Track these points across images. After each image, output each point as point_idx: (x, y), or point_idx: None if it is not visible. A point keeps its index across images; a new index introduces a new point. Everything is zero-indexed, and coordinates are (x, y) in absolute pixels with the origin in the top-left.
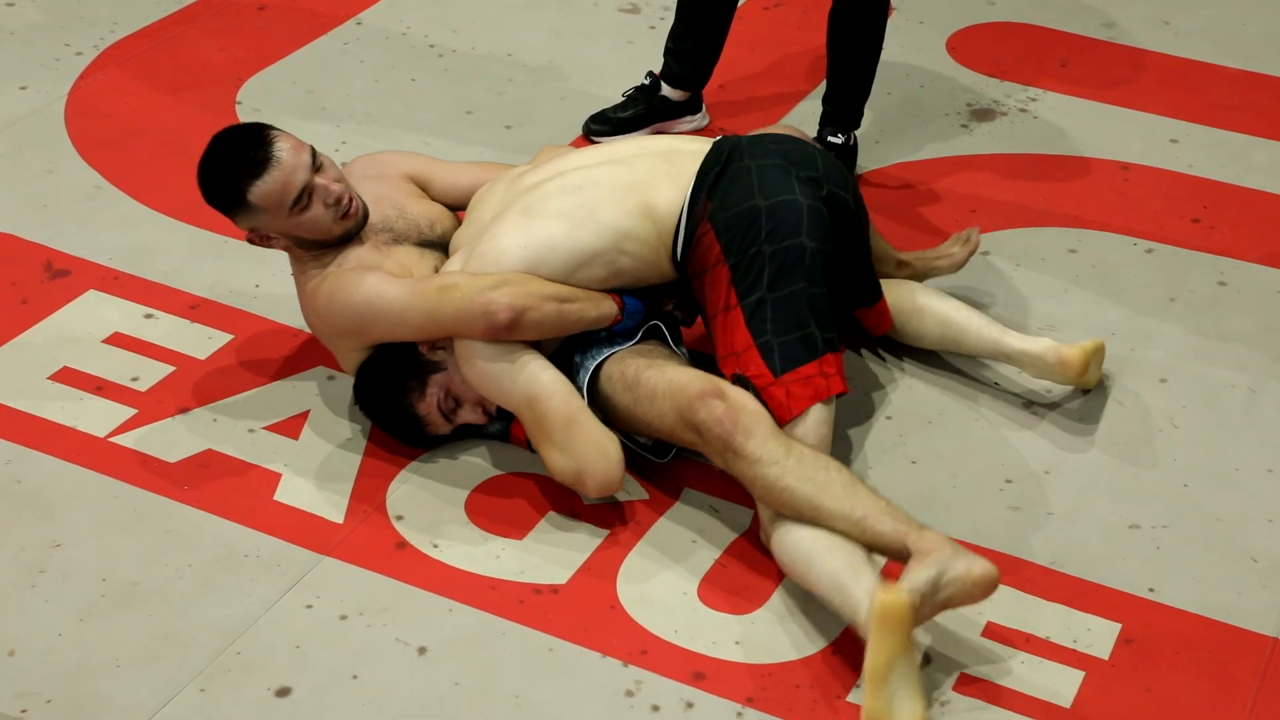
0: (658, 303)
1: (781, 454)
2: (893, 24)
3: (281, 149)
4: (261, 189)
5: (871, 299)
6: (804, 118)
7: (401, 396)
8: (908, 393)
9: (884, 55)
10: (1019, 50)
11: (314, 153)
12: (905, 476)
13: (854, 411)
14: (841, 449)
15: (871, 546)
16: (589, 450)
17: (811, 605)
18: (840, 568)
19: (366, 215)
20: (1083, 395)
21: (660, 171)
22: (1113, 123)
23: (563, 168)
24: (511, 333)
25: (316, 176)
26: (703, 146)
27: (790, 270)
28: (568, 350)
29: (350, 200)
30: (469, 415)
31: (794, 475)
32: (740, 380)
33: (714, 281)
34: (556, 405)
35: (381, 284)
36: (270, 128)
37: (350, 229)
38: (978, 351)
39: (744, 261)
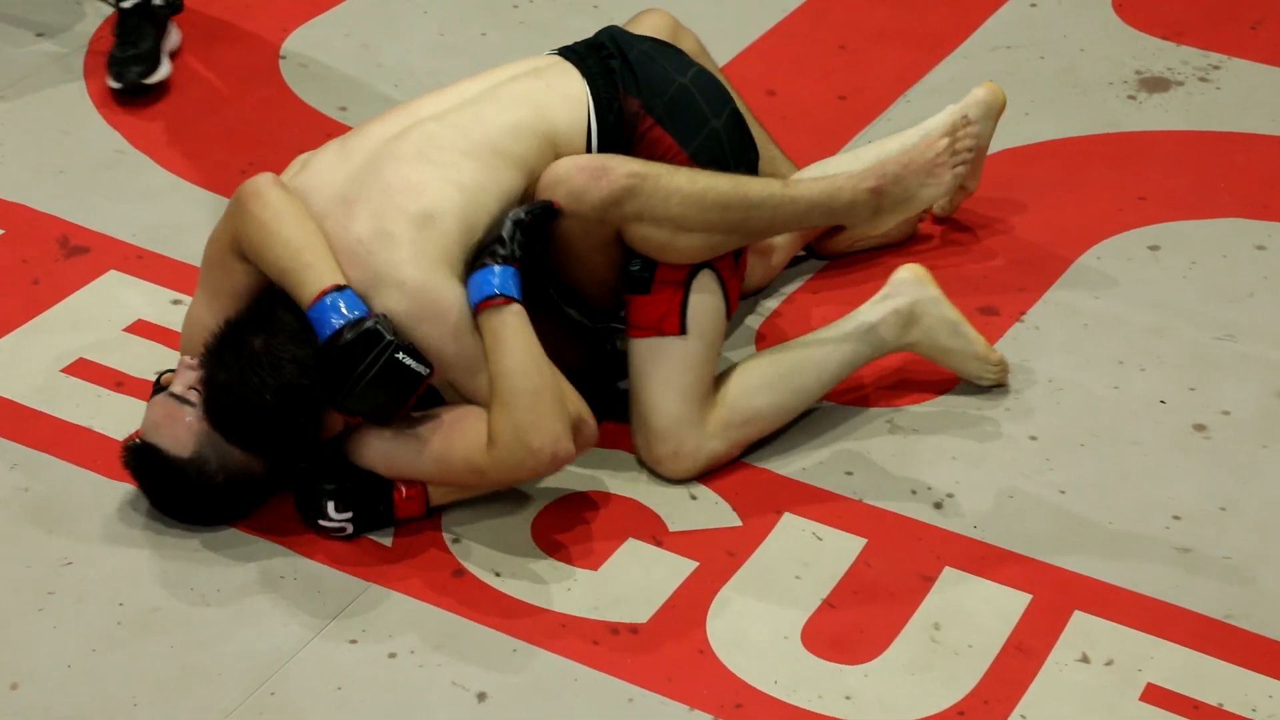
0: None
1: (656, 164)
2: None
3: (144, 426)
4: (180, 461)
5: None
6: None
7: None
8: (1054, 409)
9: (1036, 13)
10: (1201, 9)
11: (156, 384)
12: (1052, 508)
13: (993, 430)
14: (977, 475)
15: (803, 215)
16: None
17: (940, 655)
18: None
19: None
20: (1265, 417)
21: (538, 89)
22: None
23: (421, 113)
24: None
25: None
26: (554, 59)
27: (740, 138)
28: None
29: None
30: None
31: (686, 174)
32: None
33: None
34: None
35: None
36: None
37: None
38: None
39: (702, 143)
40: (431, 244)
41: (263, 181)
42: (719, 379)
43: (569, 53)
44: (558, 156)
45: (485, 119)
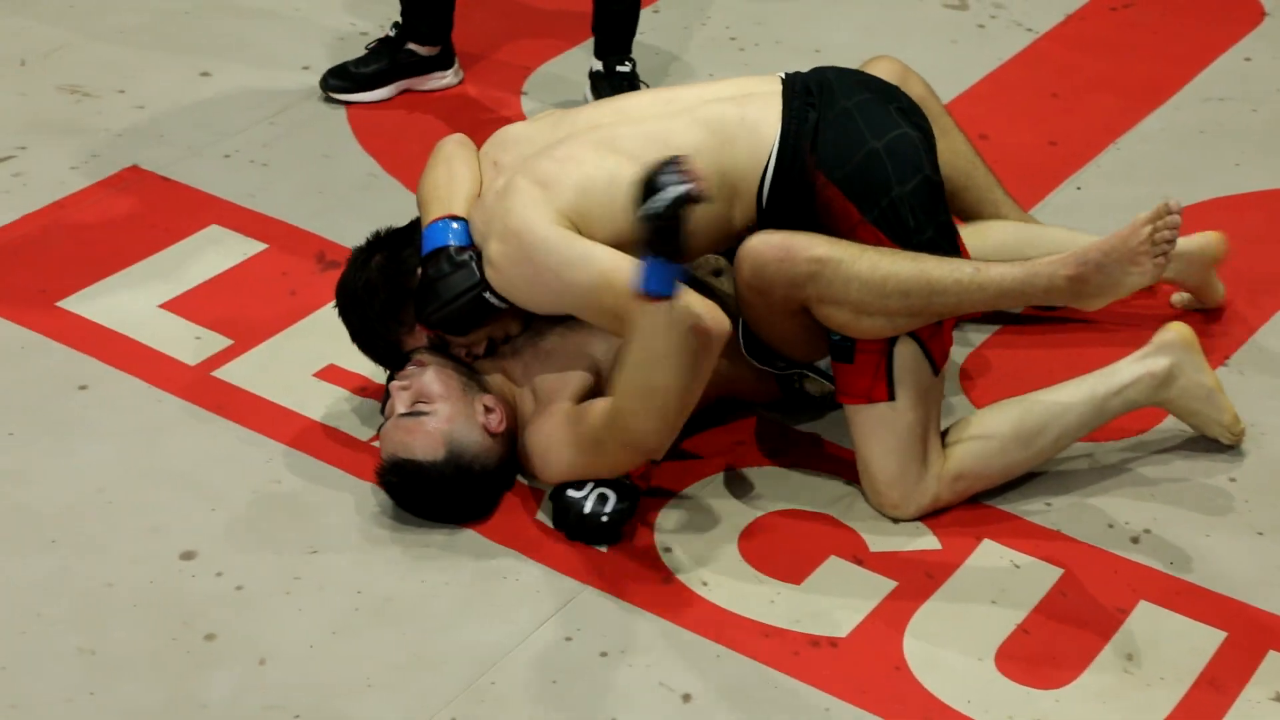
0: None
1: (843, 246)
2: (1261, 27)
3: (393, 450)
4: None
5: None
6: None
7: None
8: (1255, 453)
9: (1250, 67)
10: None
11: (389, 382)
12: (1249, 549)
13: (1193, 470)
14: (1175, 513)
15: (993, 301)
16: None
17: (1131, 686)
18: (1086, 390)
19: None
20: None
21: (732, 119)
22: None
23: (628, 114)
24: None
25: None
26: (773, 87)
27: (928, 209)
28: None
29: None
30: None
31: (870, 260)
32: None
33: (860, 240)
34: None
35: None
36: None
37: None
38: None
39: (884, 213)
40: (543, 200)
41: (449, 137)
42: (955, 429)
43: (787, 85)
44: (727, 188)
45: (674, 135)
